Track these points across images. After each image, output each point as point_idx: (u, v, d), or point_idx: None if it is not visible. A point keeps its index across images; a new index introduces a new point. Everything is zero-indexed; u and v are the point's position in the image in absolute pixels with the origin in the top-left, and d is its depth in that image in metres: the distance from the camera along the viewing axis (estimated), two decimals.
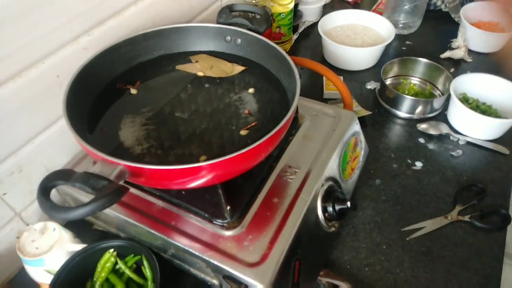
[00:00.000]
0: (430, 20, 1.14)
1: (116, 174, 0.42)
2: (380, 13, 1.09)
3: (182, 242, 0.52)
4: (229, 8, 0.70)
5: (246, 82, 0.64)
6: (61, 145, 0.65)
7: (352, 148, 0.67)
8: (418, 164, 0.77)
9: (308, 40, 1.12)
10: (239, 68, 0.67)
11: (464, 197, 0.71)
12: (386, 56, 1.02)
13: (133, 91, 0.62)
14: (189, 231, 0.53)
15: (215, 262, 0.50)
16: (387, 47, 1.00)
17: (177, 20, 0.80)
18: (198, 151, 0.54)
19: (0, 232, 0.60)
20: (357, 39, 1.03)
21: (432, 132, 0.83)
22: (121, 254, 0.59)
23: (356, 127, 0.68)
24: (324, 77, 0.94)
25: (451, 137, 0.82)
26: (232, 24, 0.67)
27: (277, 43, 0.65)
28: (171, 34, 0.68)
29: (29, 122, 0.59)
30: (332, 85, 0.91)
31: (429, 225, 0.67)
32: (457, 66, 1.01)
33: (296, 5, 1.07)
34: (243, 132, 0.56)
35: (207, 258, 0.50)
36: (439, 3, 1.18)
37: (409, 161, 0.78)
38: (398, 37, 1.09)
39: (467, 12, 1.05)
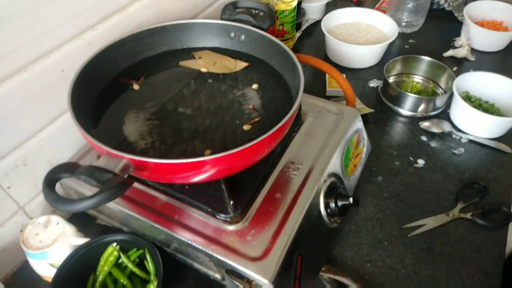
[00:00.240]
0: (433, 18, 1.14)
1: (121, 167, 0.42)
2: (383, 12, 1.09)
3: (185, 236, 0.52)
4: (233, 5, 0.70)
5: (249, 78, 0.65)
6: (65, 140, 0.65)
7: (354, 145, 0.67)
8: (420, 162, 0.77)
9: (311, 38, 1.12)
10: (242, 64, 0.67)
11: (466, 195, 0.71)
12: (388, 54, 1.02)
13: (136, 86, 0.63)
14: (192, 225, 0.54)
15: (218, 256, 0.50)
16: (390, 45, 1.00)
17: (181, 17, 0.80)
18: (202, 146, 0.54)
19: (4, 225, 0.60)
20: (360, 37, 1.03)
21: (435, 130, 0.83)
22: (124, 248, 0.59)
23: (359, 124, 0.68)
24: (326, 75, 0.95)
25: (453, 135, 0.82)
26: (236, 21, 0.67)
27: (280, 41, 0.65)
28: (175, 30, 0.69)
29: (34, 116, 0.59)
30: (335, 83, 0.91)
31: (430, 222, 0.67)
32: (460, 65, 1.01)
33: (299, 3, 1.07)
34: (246, 127, 0.56)
35: (210, 252, 0.51)
36: (442, 1, 1.17)
37: (411, 158, 0.78)
38: (401, 35, 1.09)
39: (471, 10, 1.05)
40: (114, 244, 0.58)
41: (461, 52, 1.01)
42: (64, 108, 0.63)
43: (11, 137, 0.57)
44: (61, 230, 0.58)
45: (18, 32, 0.52)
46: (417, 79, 0.95)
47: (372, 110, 0.86)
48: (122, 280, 0.57)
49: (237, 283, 0.52)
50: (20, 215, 0.62)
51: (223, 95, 0.62)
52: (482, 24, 1.03)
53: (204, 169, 0.46)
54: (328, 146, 0.63)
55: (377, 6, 1.21)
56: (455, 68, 0.99)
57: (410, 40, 1.10)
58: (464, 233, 0.66)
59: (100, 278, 0.57)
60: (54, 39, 0.58)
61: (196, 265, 0.57)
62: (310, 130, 0.66)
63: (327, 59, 1.03)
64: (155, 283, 0.54)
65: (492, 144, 0.79)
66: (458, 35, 1.03)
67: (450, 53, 1.02)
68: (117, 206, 0.57)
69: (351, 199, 0.58)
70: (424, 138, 0.82)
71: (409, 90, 0.90)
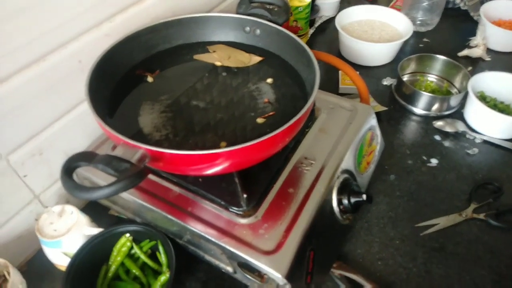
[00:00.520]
0: (448, 18, 1.13)
1: (138, 157, 0.43)
2: (398, 10, 1.08)
3: (198, 227, 0.53)
4: None
5: (264, 73, 0.65)
6: (80, 130, 0.66)
7: (368, 142, 0.67)
8: (434, 161, 0.77)
9: (324, 35, 1.12)
10: (256, 59, 0.67)
11: (480, 195, 0.70)
12: (402, 53, 1.01)
13: (150, 79, 0.63)
14: (205, 217, 0.54)
15: (231, 249, 0.50)
16: (404, 44, 1.00)
17: (196, 10, 0.81)
18: (216, 138, 0.54)
19: (20, 213, 0.61)
20: (374, 34, 1.03)
21: (448, 129, 0.82)
22: (137, 239, 0.60)
23: (373, 121, 0.68)
24: (339, 72, 0.94)
25: (467, 135, 0.81)
26: (251, 15, 0.67)
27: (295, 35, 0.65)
28: (191, 23, 0.69)
29: (50, 105, 0.59)
30: (348, 80, 0.91)
31: (443, 222, 0.67)
32: (475, 65, 1.00)
33: (313, 0, 1.07)
34: (259, 120, 0.57)
35: (222, 244, 0.51)
36: (458, 1, 1.16)
37: (424, 157, 0.78)
38: (415, 34, 1.08)
39: (487, 10, 1.03)
40: (127, 234, 0.59)
41: (476, 51, 1.00)
42: (80, 99, 0.63)
43: (28, 126, 0.58)
44: (75, 219, 0.59)
45: (38, 22, 0.53)
46: (431, 78, 0.94)
47: (385, 108, 0.86)
48: (134, 271, 0.58)
49: (249, 276, 0.53)
50: (35, 204, 0.63)
51: (237, 88, 0.62)
52: (499, 23, 1.01)
53: (219, 161, 0.46)
54: (342, 143, 0.62)
55: (391, 4, 1.20)
56: (470, 68, 0.98)
57: (424, 39, 1.08)
58: (477, 234, 0.66)
59: (113, 268, 0.58)
60: (72, 30, 0.58)
61: (208, 257, 0.57)
62: (324, 126, 0.66)
63: (340, 56, 1.03)
64: (167, 275, 0.55)
65: (507, 145, 0.78)
66: (473, 34, 1.02)
67: (465, 52, 1.01)
68: (131, 197, 0.57)
69: (364, 196, 0.58)
70: (437, 137, 0.82)
71: (423, 89, 0.89)
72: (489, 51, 1.02)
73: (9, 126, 0.55)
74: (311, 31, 1.10)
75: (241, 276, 0.55)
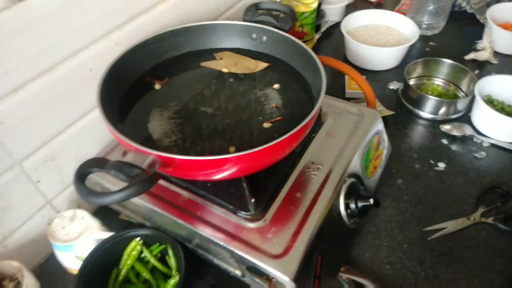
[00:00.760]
0: (454, 21, 1.13)
1: (148, 163, 0.44)
2: (404, 14, 1.08)
3: (207, 232, 0.54)
4: (255, 6, 0.71)
5: (270, 79, 0.66)
6: (91, 136, 0.67)
7: (375, 146, 0.68)
8: (441, 165, 0.77)
9: (330, 40, 1.12)
10: (262, 65, 0.68)
11: (488, 199, 0.70)
12: (409, 57, 1.02)
13: (157, 86, 0.64)
14: (214, 221, 0.55)
15: (239, 253, 0.51)
16: (410, 48, 1.00)
17: (203, 18, 0.82)
18: (224, 144, 0.55)
19: (33, 218, 0.62)
20: (380, 39, 1.03)
21: (456, 133, 0.82)
22: (147, 243, 0.60)
23: (380, 125, 0.68)
24: (346, 77, 0.95)
25: (474, 139, 0.81)
26: (258, 22, 0.68)
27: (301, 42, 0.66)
28: (198, 31, 0.70)
29: (63, 112, 0.61)
30: (354, 85, 0.92)
31: (451, 226, 0.67)
32: (482, 68, 1.00)
33: (319, 5, 1.07)
34: (266, 125, 0.57)
35: (231, 248, 0.52)
36: (464, 4, 1.16)
37: (431, 161, 0.78)
38: (421, 38, 1.08)
39: (494, 13, 1.03)
40: (138, 238, 0.59)
41: (483, 54, 1.00)
42: (91, 106, 0.65)
43: (41, 133, 0.59)
44: (87, 224, 0.60)
45: (50, 32, 0.55)
46: (438, 81, 0.94)
47: (392, 112, 0.86)
48: (144, 274, 0.59)
49: (257, 280, 0.53)
50: (47, 209, 0.64)
51: (245, 94, 0.63)
52: (505, 26, 1.01)
53: (227, 166, 0.47)
54: (349, 147, 0.63)
55: (397, 8, 1.21)
56: (476, 71, 0.98)
57: (430, 42, 1.09)
58: (485, 238, 0.65)
59: (123, 271, 0.59)
60: (84, 39, 0.60)
61: (216, 261, 0.58)
62: (331, 131, 0.66)
63: (346, 61, 1.03)
64: (177, 278, 0.56)
65: None
66: (480, 37, 1.02)
67: (471, 56, 1.01)
68: (141, 201, 0.58)
69: (371, 200, 0.58)
70: (444, 141, 0.82)
71: (430, 93, 0.89)
72: (496, 54, 1.02)
73: (23, 133, 0.56)
74: (317, 36, 1.11)
75: (250, 280, 0.55)
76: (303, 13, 0.98)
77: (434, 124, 0.85)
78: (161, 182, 0.60)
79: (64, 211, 0.62)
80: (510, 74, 0.84)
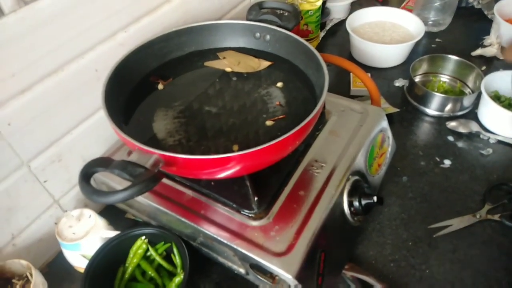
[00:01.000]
0: (461, 17, 1.12)
1: (152, 162, 0.44)
2: (410, 10, 1.08)
3: (211, 230, 0.54)
4: (259, 5, 0.71)
5: (274, 77, 0.66)
6: (97, 136, 0.68)
7: (379, 144, 0.67)
8: (447, 162, 0.76)
9: (335, 38, 1.12)
10: (265, 63, 0.68)
11: (494, 196, 0.69)
12: (414, 53, 1.01)
13: (160, 86, 0.65)
14: (217, 220, 0.55)
15: (243, 251, 0.51)
16: (416, 44, 0.99)
17: (207, 18, 0.82)
18: (228, 143, 0.55)
19: (41, 217, 0.63)
20: (386, 36, 1.02)
21: (462, 130, 0.81)
22: (152, 242, 0.61)
23: (384, 123, 0.68)
24: (351, 74, 0.94)
25: (481, 136, 0.81)
26: (261, 21, 0.68)
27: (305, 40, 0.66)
28: (202, 31, 0.70)
29: (69, 113, 0.62)
30: (359, 82, 0.91)
31: (456, 223, 0.66)
32: (489, 64, 0.99)
33: (324, 3, 1.07)
34: (268, 123, 0.57)
35: (235, 246, 0.52)
36: None
37: (437, 159, 0.77)
38: (427, 34, 1.07)
39: (502, 8, 1.02)
40: (143, 237, 0.60)
41: (490, 50, 0.99)
42: (97, 106, 0.66)
43: (48, 133, 0.60)
44: (93, 223, 0.61)
45: (57, 33, 0.55)
46: (444, 78, 0.94)
47: (397, 110, 0.85)
48: (150, 272, 0.59)
49: (261, 278, 0.54)
50: (55, 208, 0.65)
51: (248, 93, 0.63)
52: None
53: (230, 165, 0.48)
54: (352, 145, 0.63)
55: (402, 5, 1.20)
56: (483, 68, 0.97)
57: (437, 39, 1.08)
58: (491, 235, 0.65)
59: (129, 270, 0.60)
60: (89, 40, 0.60)
61: (220, 259, 0.59)
62: (334, 129, 0.66)
63: (351, 58, 1.03)
64: (181, 276, 0.56)
65: None
66: (487, 33, 1.01)
67: (478, 52, 1.00)
68: (146, 200, 0.59)
69: (375, 198, 0.58)
70: (450, 138, 0.81)
71: (436, 90, 0.88)
72: (503, 49, 1.01)
73: (30, 134, 0.57)
74: (322, 34, 1.11)
75: (253, 278, 0.56)
76: (308, 11, 0.98)
77: (440, 121, 0.85)
78: (166, 181, 0.60)
79: (71, 210, 0.63)
80: None
